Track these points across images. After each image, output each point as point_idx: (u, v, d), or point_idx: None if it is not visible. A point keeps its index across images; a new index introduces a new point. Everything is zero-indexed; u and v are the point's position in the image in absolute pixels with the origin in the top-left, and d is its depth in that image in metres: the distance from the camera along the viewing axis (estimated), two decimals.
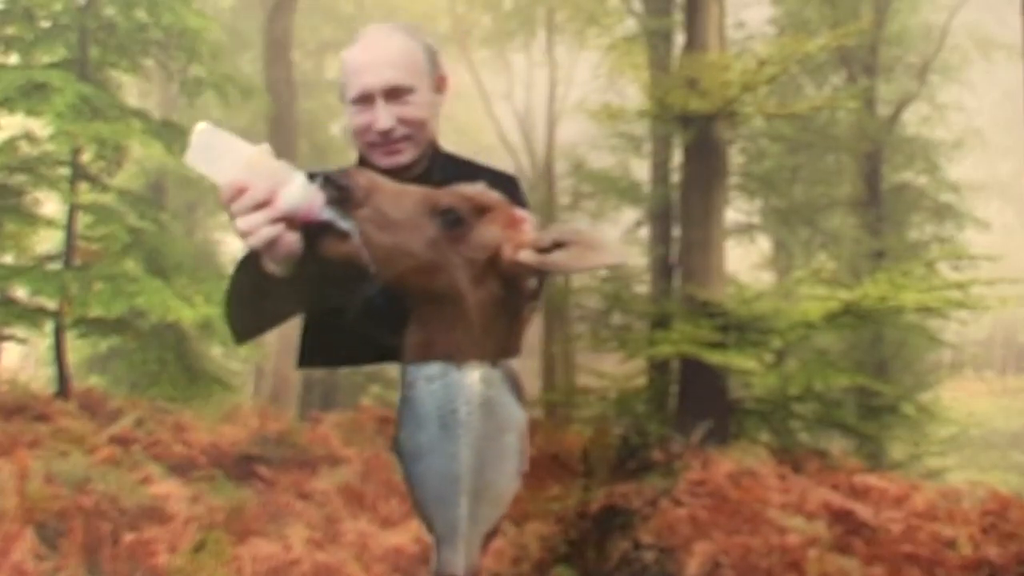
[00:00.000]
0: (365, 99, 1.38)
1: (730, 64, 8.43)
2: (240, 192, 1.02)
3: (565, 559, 3.71)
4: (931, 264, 8.82)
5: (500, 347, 1.02)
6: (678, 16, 9.68)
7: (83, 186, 7.25)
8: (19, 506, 3.48)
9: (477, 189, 1.04)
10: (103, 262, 7.02)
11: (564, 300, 10.78)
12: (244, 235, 1.03)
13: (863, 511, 4.46)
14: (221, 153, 1.05)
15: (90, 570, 3.28)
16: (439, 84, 1.45)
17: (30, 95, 6.45)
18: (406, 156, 1.39)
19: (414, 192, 1.05)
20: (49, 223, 7.53)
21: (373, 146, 1.40)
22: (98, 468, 4.23)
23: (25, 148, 7.15)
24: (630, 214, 11.41)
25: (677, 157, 9.56)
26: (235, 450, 5.50)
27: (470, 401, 0.99)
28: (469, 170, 1.44)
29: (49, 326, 6.99)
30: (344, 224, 1.01)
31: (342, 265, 1.04)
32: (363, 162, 1.41)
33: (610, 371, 9.35)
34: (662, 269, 9.39)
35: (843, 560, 3.80)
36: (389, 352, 1.11)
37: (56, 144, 6.70)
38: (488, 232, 1.01)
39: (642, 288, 10.27)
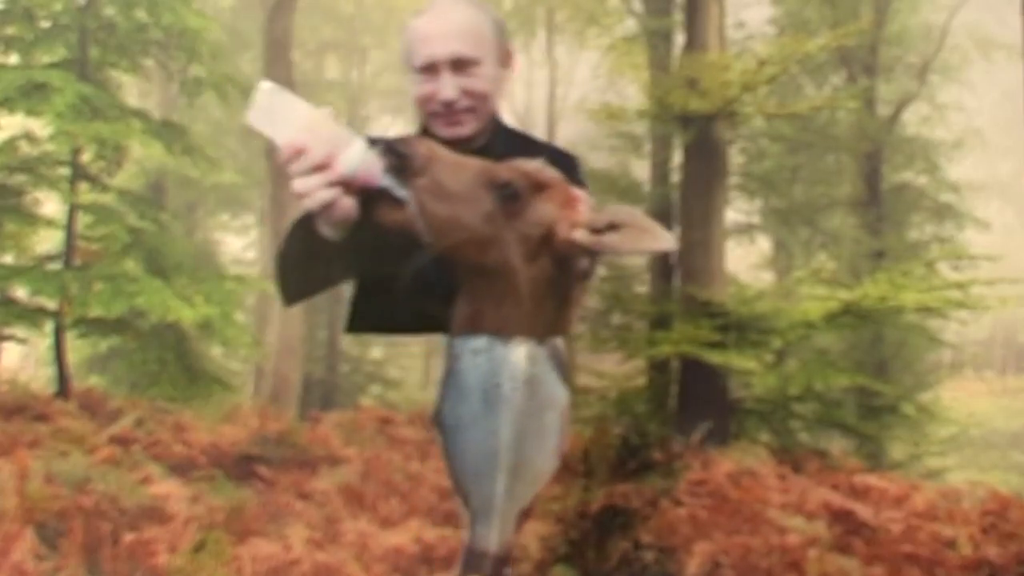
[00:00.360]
0: (430, 68, 1.37)
1: (730, 64, 8.43)
2: (299, 153, 1.02)
3: (565, 559, 3.71)
4: (931, 264, 8.82)
5: (548, 325, 1.01)
6: (678, 16, 9.68)
7: (83, 186, 7.26)
8: (19, 506, 3.48)
9: (536, 165, 1.04)
10: (103, 262, 7.03)
11: None
12: (301, 197, 1.03)
13: (863, 511, 4.46)
14: (282, 114, 1.05)
15: (90, 570, 3.28)
16: (505, 59, 1.44)
17: (30, 95, 6.45)
18: (468, 128, 1.39)
19: (473, 164, 1.04)
20: (49, 223, 7.54)
21: (435, 116, 1.39)
22: (98, 468, 4.23)
23: (25, 148, 7.15)
24: None
25: (677, 157, 9.55)
26: (235, 450, 5.50)
27: (514, 377, 0.99)
28: (529, 146, 1.44)
29: (49, 326, 6.99)
30: (401, 192, 1.01)
31: (396, 233, 1.04)
32: (424, 132, 1.41)
33: (610, 371, 9.35)
34: (662, 269, 9.39)
35: (843, 560, 3.80)
36: (437, 323, 1.11)
37: (56, 144, 6.70)
38: (544, 209, 1.01)
39: (642, 288, 10.27)
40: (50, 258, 7.38)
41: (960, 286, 7.73)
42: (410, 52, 1.40)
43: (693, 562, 3.70)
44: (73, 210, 7.08)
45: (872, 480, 5.56)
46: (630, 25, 10.90)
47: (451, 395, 1.01)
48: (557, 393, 1.02)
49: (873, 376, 9.17)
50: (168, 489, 4.18)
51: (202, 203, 13.95)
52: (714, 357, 7.48)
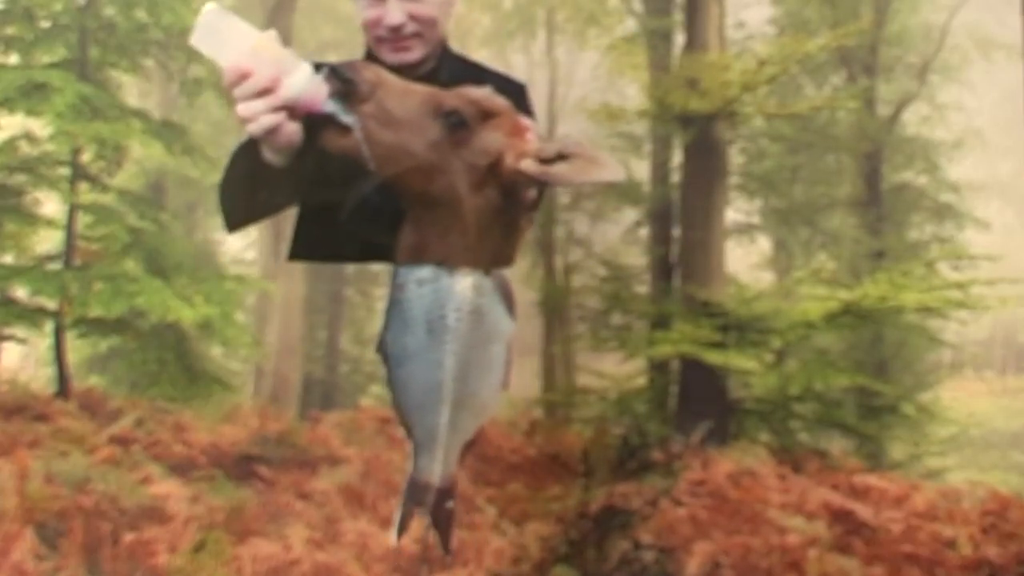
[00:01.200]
0: None
1: (730, 64, 8.43)
2: (243, 77, 1.00)
3: (565, 559, 3.71)
4: (931, 264, 8.82)
5: (494, 255, 1.00)
6: (678, 16, 9.68)
7: (83, 186, 7.26)
8: (19, 506, 3.48)
9: (484, 93, 1.02)
10: (103, 262, 7.03)
11: (564, 300, 10.77)
12: (244, 121, 1.01)
13: (863, 511, 4.46)
14: (227, 36, 1.03)
15: (90, 570, 3.28)
16: None
17: (30, 95, 6.45)
18: (415, 54, 1.36)
19: (420, 91, 1.02)
20: (49, 223, 7.53)
21: (381, 41, 1.36)
22: (98, 468, 4.23)
23: (25, 148, 7.15)
24: (630, 214, 11.40)
25: (677, 157, 9.55)
26: (235, 450, 5.50)
27: (460, 308, 0.97)
28: (477, 73, 1.41)
29: (49, 326, 6.99)
30: (346, 118, 1.00)
31: (341, 159, 1.02)
32: (370, 57, 1.38)
33: (610, 371, 9.35)
34: (662, 269, 9.39)
35: (843, 560, 3.80)
36: (381, 252, 1.10)
37: (56, 144, 6.70)
38: (491, 138, 0.99)
39: (642, 288, 10.27)
40: (50, 258, 7.38)
41: (960, 286, 7.73)
42: None
43: (693, 562, 3.70)
44: (73, 210, 7.08)
45: (872, 480, 5.56)
46: (630, 25, 10.89)
47: (395, 325, 0.99)
48: (503, 324, 1.00)
49: (873, 376, 9.17)
50: (168, 489, 4.18)
51: (202, 203, 13.94)
52: (714, 357, 7.48)
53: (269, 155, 1.05)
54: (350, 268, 15.83)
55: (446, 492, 1.06)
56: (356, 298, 15.96)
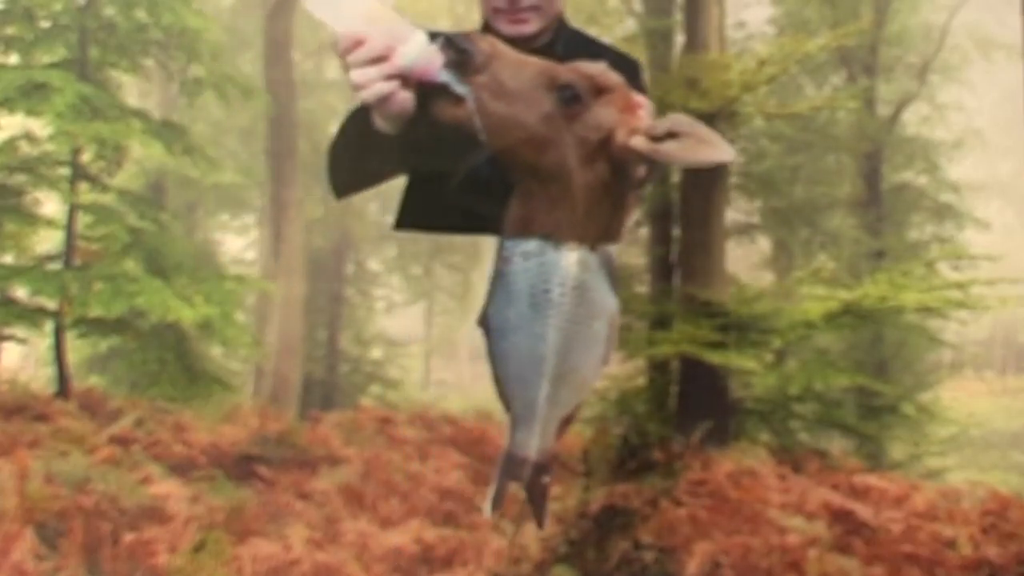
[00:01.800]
0: None
1: (730, 64, 8.43)
2: (357, 44, 1.00)
3: (565, 559, 3.71)
4: (931, 264, 8.82)
5: (601, 232, 1.00)
6: (678, 16, 9.68)
7: (83, 186, 7.26)
8: (19, 506, 3.48)
9: (598, 68, 1.01)
10: (103, 262, 7.03)
11: None
12: (358, 88, 1.00)
13: (863, 511, 4.46)
14: (342, 2, 1.02)
15: (90, 570, 3.28)
16: None
17: (30, 95, 6.45)
18: (531, 26, 1.36)
19: (534, 64, 1.02)
20: (49, 223, 7.54)
21: (499, 12, 1.36)
22: (98, 468, 4.23)
23: (25, 148, 7.15)
24: None
25: None
26: (235, 450, 5.50)
27: (564, 283, 0.97)
28: (593, 48, 1.41)
29: (49, 326, 6.99)
30: (460, 88, 0.99)
31: (452, 130, 1.01)
32: (486, 28, 1.38)
33: (610, 371, 9.34)
34: (662, 269, 9.38)
35: (843, 560, 3.80)
36: (488, 224, 1.10)
37: (56, 144, 6.70)
38: (604, 113, 0.99)
39: (642, 288, 10.26)
40: (50, 258, 7.38)
41: (960, 286, 7.73)
42: None
43: (693, 562, 3.70)
44: (73, 210, 7.08)
45: (872, 480, 5.56)
46: (630, 25, 10.89)
47: (499, 298, 0.99)
48: (607, 301, 1.00)
49: (873, 376, 9.17)
50: (168, 489, 4.18)
51: (202, 203, 13.94)
52: (714, 357, 7.48)
53: (380, 123, 1.05)
54: (350, 268, 15.83)
55: (543, 467, 1.05)
56: (356, 298, 15.97)
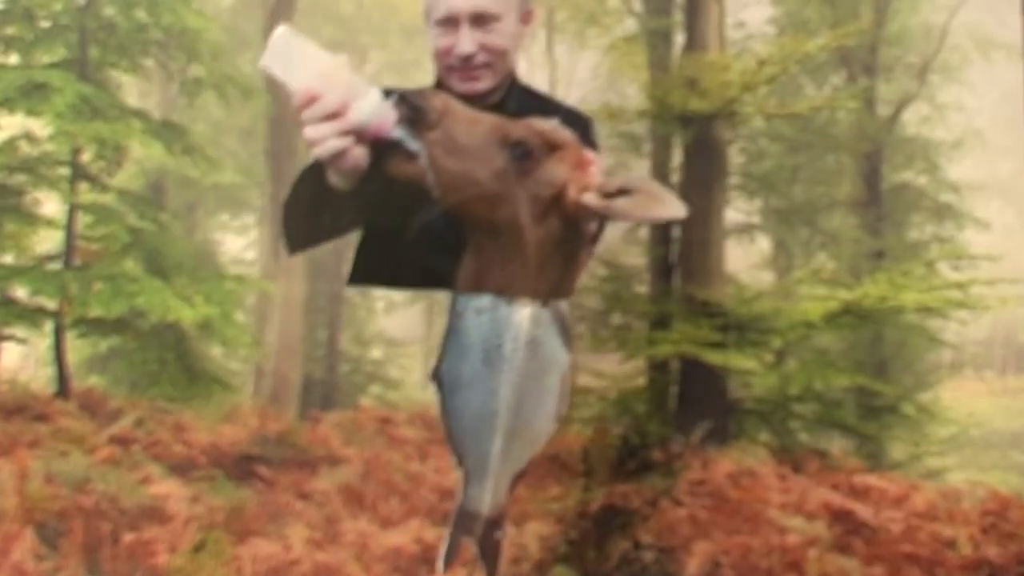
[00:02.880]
0: (450, 22, 1.35)
1: (730, 64, 8.42)
2: (312, 100, 1.01)
3: (565, 559, 3.71)
4: (931, 264, 8.82)
5: (553, 287, 1.00)
6: (678, 16, 9.67)
7: (83, 186, 7.26)
8: (19, 506, 3.48)
9: (550, 125, 1.02)
10: (103, 262, 7.03)
11: None
12: (312, 144, 1.01)
13: (863, 511, 4.46)
14: (297, 59, 1.04)
15: (90, 570, 3.28)
16: (525, 17, 1.43)
17: (30, 95, 6.45)
18: (484, 83, 1.37)
19: (487, 120, 1.03)
20: (49, 223, 7.53)
21: (452, 70, 1.37)
22: (98, 468, 4.23)
23: (25, 148, 7.15)
24: None
25: (677, 157, 9.55)
26: (235, 450, 5.50)
27: (517, 338, 0.98)
28: (544, 105, 1.42)
29: (49, 326, 6.99)
30: (413, 144, 1.00)
31: (406, 185, 1.02)
32: (440, 85, 1.39)
33: (610, 371, 9.34)
34: (662, 269, 9.38)
35: (843, 560, 3.80)
36: (441, 279, 1.10)
37: (56, 144, 6.70)
38: (556, 170, 1.00)
39: (642, 288, 10.26)
40: (50, 258, 7.38)
41: (960, 286, 7.73)
42: (431, 4, 1.38)
43: (693, 562, 3.70)
44: (73, 210, 7.08)
45: (872, 480, 5.56)
46: (630, 25, 10.88)
47: (452, 353, 1.00)
48: (559, 356, 1.01)
49: (873, 376, 9.17)
50: (168, 489, 4.18)
51: (202, 203, 13.94)
52: (714, 357, 7.48)
53: (334, 179, 1.05)
54: (350, 268, 15.82)
55: (495, 522, 1.06)
56: (356, 298, 15.96)
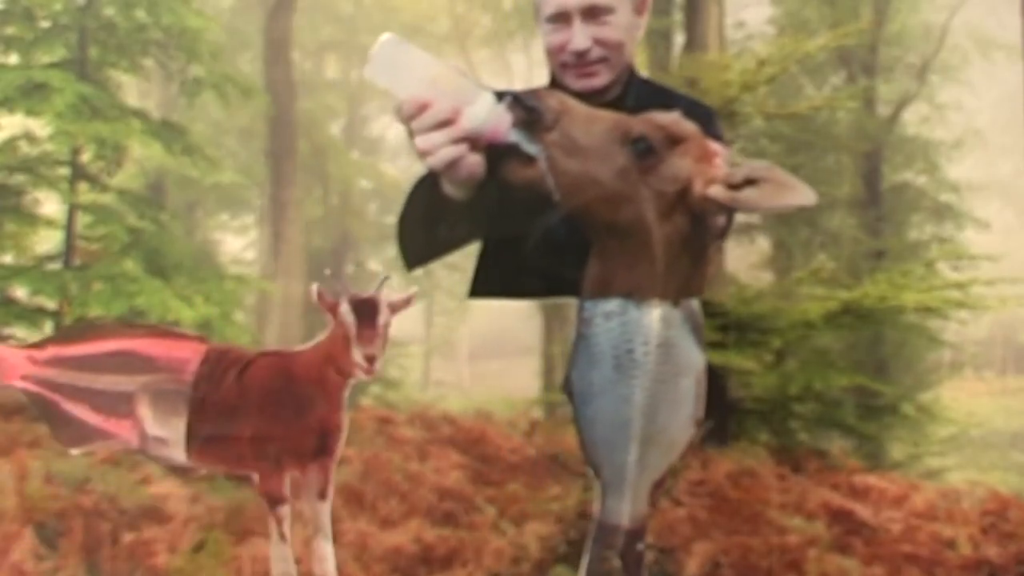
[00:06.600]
0: (561, 17, 1.31)
1: (730, 64, 8.41)
2: (422, 109, 0.97)
3: (565, 559, 3.71)
4: (931, 264, 8.81)
5: (683, 286, 0.97)
6: (678, 16, 9.67)
7: (83, 186, 7.25)
8: (19, 506, 3.48)
9: (672, 118, 0.99)
10: (103, 262, 7.02)
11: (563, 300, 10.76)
12: (424, 154, 0.97)
13: (863, 511, 4.46)
14: (404, 67, 0.99)
15: (90, 570, 3.28)
16: (640, 6, 1.36)
17: (30, 95, 6.45)
18: (600, 79, 1.32)
19: (606, 118, 0.99)
20: (49, 223, 7.52)
21: (566, 67, 1.33)
22: (98, 468, 4.23)
23: (25, 148, 7.15)
24: None
25: None
26: None
27: (648, 341, 0.94)
28: (665, 97, 1.37)
29: (49, 326, 6.98)
30: (530, 148, 0.96)
31: (525, 191, 0.98)
32: (554, 83, 1.34)
33: None
34: None
35: (843, 560, 3.80)
36: (566, 286, 1.07)
37: (56, 144, 6.70)
38: (680, 164, 0.96)
39: None
40: (50, 258, 7.37)
41: (960, 286, 7.72)
42: (539, 1, 1.34)
43: (693, 562, 3.70)
44: (73, 210, 7.08)
45: (872, 480, 5.55)
46: None
47: (581, 361, 0.96)
48: (693, 357, 0.98)
49: (873, 376, 9.16)
50: (168, 489, 4.17)
51: (202, 203, 13.93)
52: (714, 357, 7.42)
53: (450, 189, 1.01)
54: (350, 268, 15.82)
55: (636, 533, 1.03)
56: None
